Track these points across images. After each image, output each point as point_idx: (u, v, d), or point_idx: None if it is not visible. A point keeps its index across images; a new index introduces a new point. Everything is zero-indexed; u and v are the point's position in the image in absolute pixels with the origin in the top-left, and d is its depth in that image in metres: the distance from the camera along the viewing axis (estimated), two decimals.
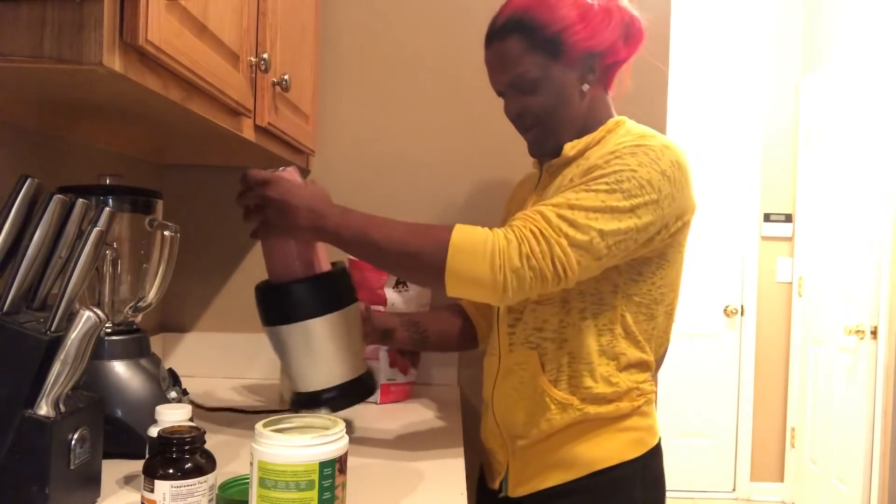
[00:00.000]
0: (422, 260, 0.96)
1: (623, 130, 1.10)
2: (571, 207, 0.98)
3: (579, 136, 1.13)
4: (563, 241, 0.96)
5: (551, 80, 1.08)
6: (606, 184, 0.99)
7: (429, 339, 1.32)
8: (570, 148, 1.11)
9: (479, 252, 0.95)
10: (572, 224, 0.96)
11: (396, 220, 1.02)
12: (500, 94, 1.15)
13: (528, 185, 1.28)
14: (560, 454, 1.10)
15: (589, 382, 1.08)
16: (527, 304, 1.11)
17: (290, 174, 1.06)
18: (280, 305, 1.06)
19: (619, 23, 1.09)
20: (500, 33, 1.09)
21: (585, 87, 1.10)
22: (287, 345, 1.06)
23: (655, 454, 1.13)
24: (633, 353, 1.09)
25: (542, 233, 0.96)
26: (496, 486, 1.19)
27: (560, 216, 0.97)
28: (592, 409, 1.08)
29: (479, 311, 1.35)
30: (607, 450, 1.09)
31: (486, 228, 0.98)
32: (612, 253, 0.99)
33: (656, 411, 1.17)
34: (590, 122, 1.13)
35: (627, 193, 0.99)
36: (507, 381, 1.14)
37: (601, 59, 1.10)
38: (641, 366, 1.11)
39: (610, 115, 1.15)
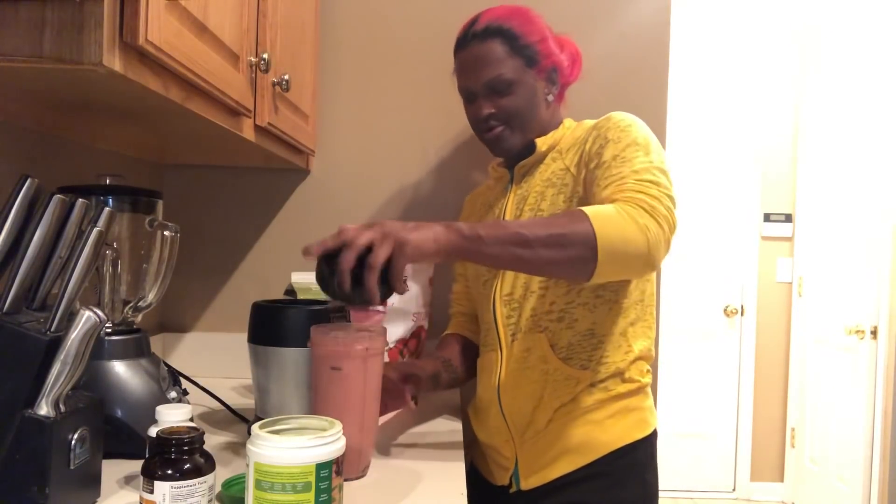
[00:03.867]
0: (571, 237, 0.92)
1: (584, 123, 1.22)
2: (636, 172, 1.02)
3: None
4: (655, 191, 0.99)
5: (526, 84, 1.18)
6: (637, 144, 1.06)
7: (459, 376, 1.30)
8: (541, 143, 1.21)
9: (617, 218, 0.93)
10: (652, 182, 1.00)
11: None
12: (470, 94, 1.21)
13: (492, 192, 1.33)
14: (571, 439, 1.14)
15: (599, 353, 1.13)
16: (526, 291, 1.16)
17: None
18: None
19: (568, 51, 1.25)
20: (480, 36, 1.17)
21: (550, 97, 1.22)
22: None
23: (655, 436, 1.19)
24: (638, 325, 1.16)
25: (641, 192, 0.99)
26: (505, 481, 1.21)
27: (638, 181, 1.00)
28: (601, 382, 1.13)
29: (472, 326, 1.37)
30: (618, 430, 1.14)
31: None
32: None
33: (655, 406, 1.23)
34: (548, 130, 1.23)
35: (647, 143, 1.08)
36: (514, 370, 1.17)
37: (560, 77, 1.23)
38: (647, 333, 1.17)
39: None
